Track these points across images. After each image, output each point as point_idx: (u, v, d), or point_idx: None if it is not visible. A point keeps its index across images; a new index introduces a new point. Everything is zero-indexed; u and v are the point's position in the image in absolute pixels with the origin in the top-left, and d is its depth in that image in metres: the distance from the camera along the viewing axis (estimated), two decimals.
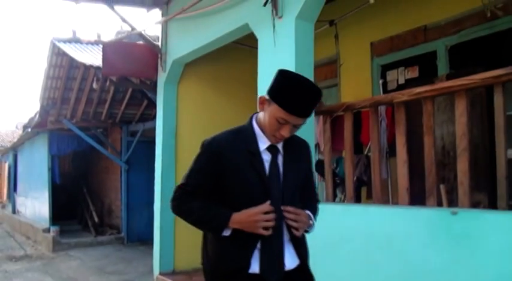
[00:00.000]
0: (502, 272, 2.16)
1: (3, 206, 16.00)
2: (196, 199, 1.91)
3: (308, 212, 1.96)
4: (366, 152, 4.51)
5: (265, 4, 3.66)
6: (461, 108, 2.90)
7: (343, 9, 5.22)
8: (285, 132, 1.81)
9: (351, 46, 5.45)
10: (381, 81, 4.59)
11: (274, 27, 3.55)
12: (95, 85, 7.84)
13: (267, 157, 1.88)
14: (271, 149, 1.90)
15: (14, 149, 14.23)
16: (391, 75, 5.15)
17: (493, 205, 3.25)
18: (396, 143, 3.31)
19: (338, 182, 4.63)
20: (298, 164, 1.98)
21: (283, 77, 1.79)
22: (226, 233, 1.84)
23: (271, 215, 1.78)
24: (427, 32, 4.73)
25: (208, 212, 1.88)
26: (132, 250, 9.07)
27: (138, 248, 9.27)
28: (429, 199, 3.02)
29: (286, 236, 1.87)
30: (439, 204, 3.08)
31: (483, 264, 2.21)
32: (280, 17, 3.61)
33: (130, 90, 8.40)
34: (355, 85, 5.44)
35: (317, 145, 4.72)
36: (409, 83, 4.74)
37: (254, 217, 1.77)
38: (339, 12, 5.25)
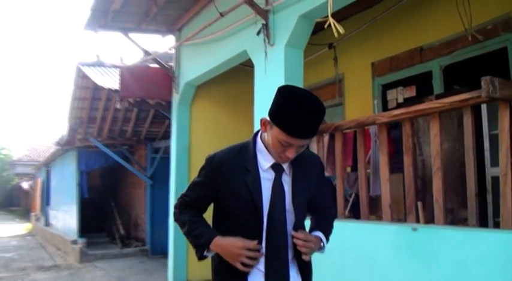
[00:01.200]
0: None
1: (37, 219, 16.78)
2: (193, 212, 1.93)
3: (319, 233, 1.91)
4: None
5: (258, 33, 3.97)
6: (435, 129, 3.09)
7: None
8: (291, 154, 1.73)
9: (354, 66, 5.68)
10: (375, 101, 4.79)
11: (266, 54, 3.85)
12: (118, 105, 8.28)
13: (269, 176, 1.82)
14: (275, 167, 1.83)
15: (47, 165, 14.98)
16: (391, 94, 5.34)
17: (480, 222, 3.39)
18: (380, 162, 3.51)
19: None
20: (308, 180, 1.91)
21: (283, 97, 1.67)
22: (208, 254, 1.84)
23: (255, 254, 1.73)
24: (423, 53, 4.92)
25: (196, 229, 1.88)
26: (155, 262, 9.41)
27: (161, 260, 9.59)
28: (409, 215, 3.21)
29: (290, 254, 1.83)
30: (419, 220, 3.26)
31: (438, 276, 2.39)
32: (272, 45, 3.91)
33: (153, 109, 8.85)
34: (359, 104, 5.65)
35: None
36: (408, 102, 4.92)
37: (236, 250, 1.73)
38: (339, 35, 5.50)
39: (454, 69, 4.65)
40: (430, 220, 3.23)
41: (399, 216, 3.59)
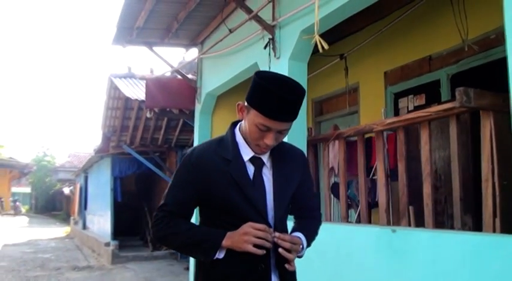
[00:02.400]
0: None
1: (76, 223, 17.58)
2: (180, 220, 1.72)
3: (299, 234, 1.75)
4: (370, 176, 4.87)
5: (265, 47, 4.24)
6: (425, 137, 3.26)
7: (353, 44, 5.68)
8: (269, 141, 1.61)
9: (368, 75, 5.85)
10: (382, 110, 4.94)
11: (269, 67, 4.11)
12: (148, 115, 8.75)
13: (249, 170, 1.70)
14: (255, 160, 1.71)
15: (85, 171, 15.74)
16: (403, 102, 5.48)
17: (478, 227, 3.51)
18: (378, 168, 3.69)
19: (350, 204, 5.01)
20: (291, 175, 1.78)
21: (260, 79, 1.59)
22: (220, 255, 1.64)
23: (265, 234, 1.58)
24: (431, 62, 5.05)
25: (197, 233, 1.69)
26: (183, 264, 9.74)
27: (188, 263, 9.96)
28: (402, 219, 3.37)
29: (272, 259, 1.68)
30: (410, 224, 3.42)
31: (414, 276, 2.57)
32: (278, 58, 4.17)
33: None
34: (373, 112, 5.80)
35: (332, 168, 5.15)
36: (418, 110, 5.06)
37: (247, 229, 1.58)
38: (350, 46, 5.71)
39: (461, 77, 4.76)
40: (421, 224, 3.39)
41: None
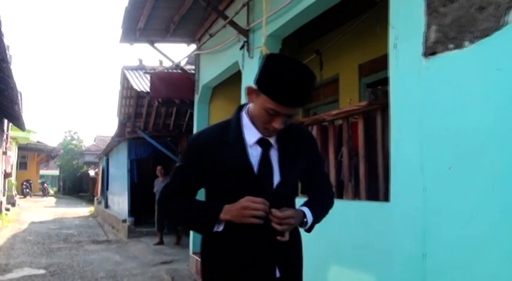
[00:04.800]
0: (354, 244, 3.26)
1: (99, 202, 18.76)
2: (184, 196, 1.79)
3: (304, 208, 1.81)
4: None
5: (241, 48, 4.97)
6: (360, 126, 3.94)
7: (332, 40, 6.34)
8: (277, 124, 1.63)
9: (346, 68, 6.51)
10: (349, 100, 5.60)
11: (243, 66, 4.85)
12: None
13: (256, 152, 1.71)
14: (262, 142, 1.73)
15: (106, 154, 16.81)
16: None
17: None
18: (329, 152, 4.41)
19: None
20: (298, 156, 1.79)
21: (270, 63, 1.60)
22: (218, 228, 1.70)
23: (261, 206, 1.62)
24: None
25: (196, 208, 1.77)
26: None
27: None
28: (346, 192, 4.10)
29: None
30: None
31: (343, 238, 3.34)
32: (252, 58, 4.89)
33: None
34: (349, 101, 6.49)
35: None
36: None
37: (245, 203, 1.62)
38: (328, 42, 6.38)
39: None
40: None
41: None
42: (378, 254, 2.92)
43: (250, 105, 1.74)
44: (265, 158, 1.72)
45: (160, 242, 9.66)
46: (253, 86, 1.65)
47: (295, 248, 1.85)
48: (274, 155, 1.75)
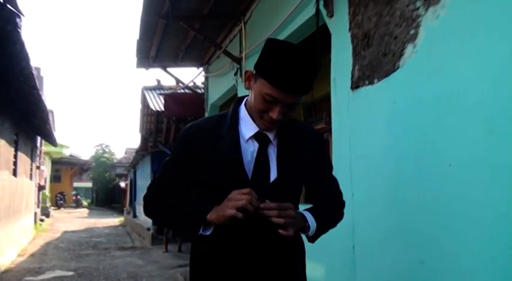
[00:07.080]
0: None
1: (128, 213, 19.80)
2: (172, 194, 1.61)
3: (305, 212, 1.59)
4: None
5: (235, 74, 5.70)
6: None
7: None
8: (275, 114, 1.46)
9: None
10: None
11: (237, 90, 5.55)
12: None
13: (252, 147, 1.56)
14: (260, 137, 1.57)
15: (134, 167, 17.84)
16: None
17: None
18: None
19: None
20: (298, 155, 1.61)
21: (271, 46, 1.46)
22: (205, 232, 1.50)
23: (246, 196, 1.41)
24: None
25: (184, 206, 1.58)
26: None
27: None
28: None
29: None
30: None
31: None
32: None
33: None
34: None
35: None
36: None
37: (230, 195, 1.45)
38: None
39: None
40: None
41: None
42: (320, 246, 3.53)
43: (249, 96, 1.60)
44: (261, 155, 1.57)
45: (165, 250, 10.35)
46: (252, 70, 1.54)
47: (296, 260, 1.66)
48: (272, 151, 1.59)
